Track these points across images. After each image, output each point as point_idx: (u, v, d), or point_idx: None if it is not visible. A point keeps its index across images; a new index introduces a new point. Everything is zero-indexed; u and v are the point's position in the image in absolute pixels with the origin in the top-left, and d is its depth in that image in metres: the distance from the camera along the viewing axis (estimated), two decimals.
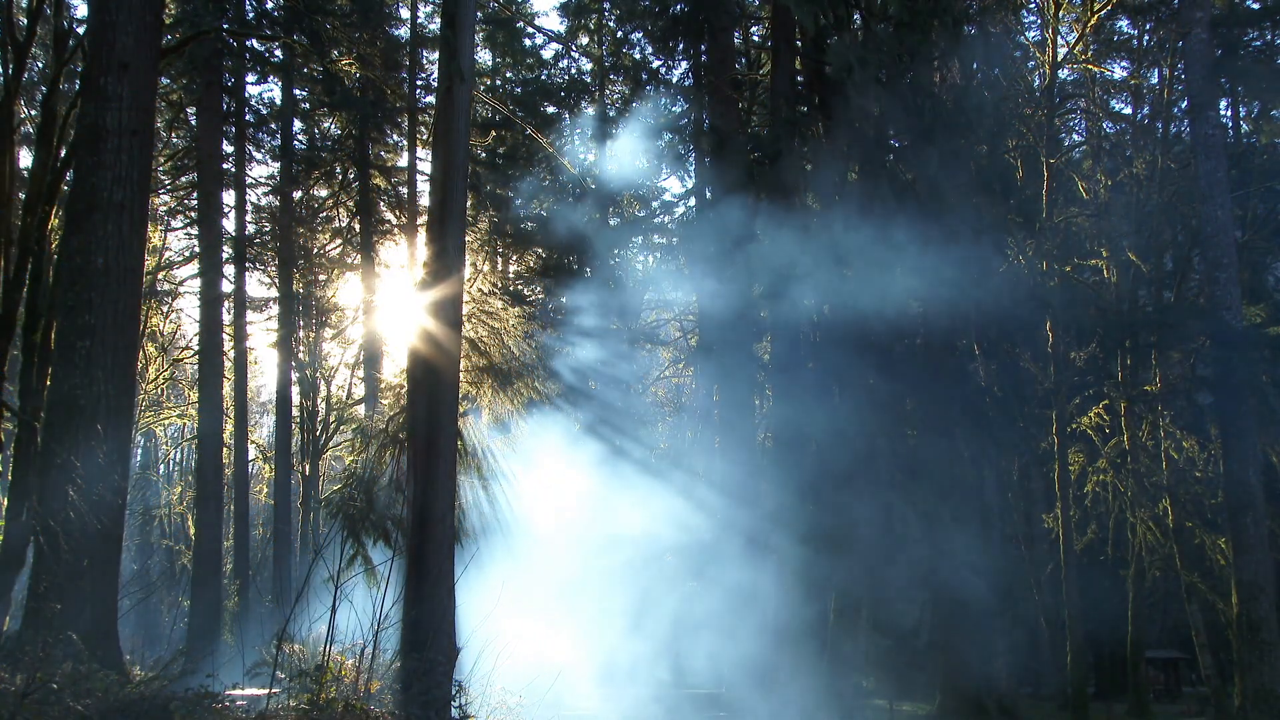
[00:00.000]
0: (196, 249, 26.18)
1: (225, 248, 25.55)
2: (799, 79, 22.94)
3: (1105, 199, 23.60)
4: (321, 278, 31.47)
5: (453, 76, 11.94)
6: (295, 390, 31.45)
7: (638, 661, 19.06)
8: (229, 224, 26.48)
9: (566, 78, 30.02)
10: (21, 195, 14.97)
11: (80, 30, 15.14)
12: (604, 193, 27.76)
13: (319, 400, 34.32)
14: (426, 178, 25.13)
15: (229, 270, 26.04)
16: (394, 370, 26.77)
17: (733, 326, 21.51)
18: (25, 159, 17.74)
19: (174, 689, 9.10)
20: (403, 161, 30.04)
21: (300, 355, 32.09)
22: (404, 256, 28.32)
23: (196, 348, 26.38)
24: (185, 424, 32.86)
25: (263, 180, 30.41)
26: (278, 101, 28.66)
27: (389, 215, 30.50)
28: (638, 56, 28.26)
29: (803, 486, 19.24)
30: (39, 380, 12.93)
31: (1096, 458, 22.59)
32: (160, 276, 27.81)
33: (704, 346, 24.31)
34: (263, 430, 41.29)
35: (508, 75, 30.58)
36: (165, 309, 29.37)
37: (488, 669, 11.61)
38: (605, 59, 29.25)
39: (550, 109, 29.69)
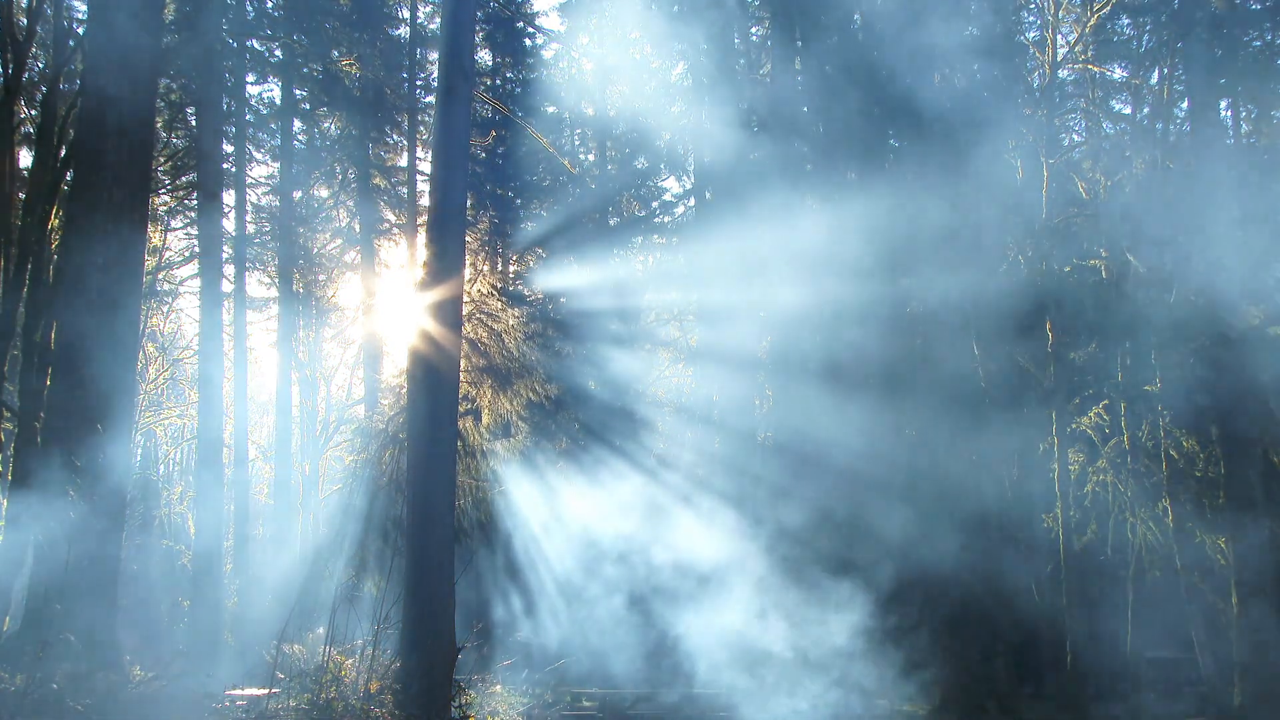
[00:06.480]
0: (196, 249, 26.14)
1: (225, 248, 25.51)
2: (799, 77, 22.93)
3: (1105, 199, 23.56)
4: (321, 278, 31.42)
5: (453, 77, 11.94)
6: (295, 390, 31.43)
7: (633, 662, 19.07)
8: (229, 224, 26.45)
9: (566, 78, 30.01)
10: (22, 195, 14.97)
11: (80, 30, 15.14)
12: (604, 192, 27.76)
13: (319, 400, 34.31)
14: (426, 178, 25.17)
15: (229, 270, 26.01)
16: (394, 370, 26.76)
17: (732, 325, 21.54)
18: (25, 159, 17.69)
19: (174, 689, 9.11)
20: (403, 161, 30.05)
21: (300, 355, 32.06)
22: (404, 256, 28.31)
23: (196, 348, 26.36)
24: (185, 424, 32.81)
25: (263, 180, 30.38)
26: (278, 101, 28.62)
27: (389, 215, 30.48)
28: (637, 56, 28.22)
29: (801, 487, 19.24)
30: (39, 380, 12.93)
31: (1096, 458, 22.55)
32: (160, 276, 27.78)
33: (704, 346, 24.34)
34: (263, 430, 41.24)
35: (508, 75, 30.57)
36: (165, 309, 29.33)
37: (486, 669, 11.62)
38: (605, 58, 29.23)
39: (550, 109, 29.66)
